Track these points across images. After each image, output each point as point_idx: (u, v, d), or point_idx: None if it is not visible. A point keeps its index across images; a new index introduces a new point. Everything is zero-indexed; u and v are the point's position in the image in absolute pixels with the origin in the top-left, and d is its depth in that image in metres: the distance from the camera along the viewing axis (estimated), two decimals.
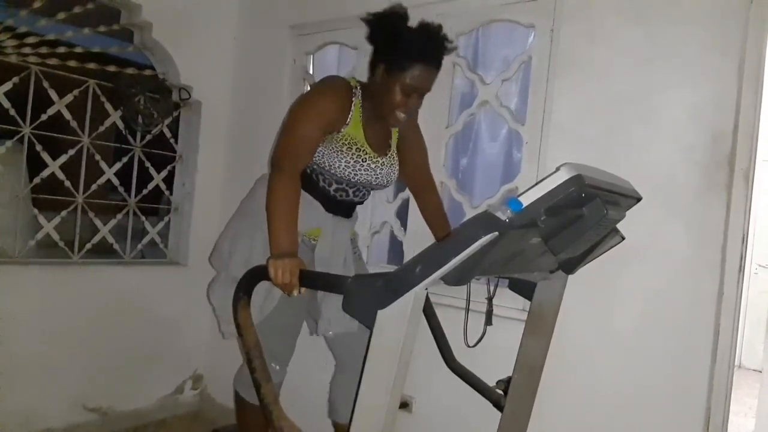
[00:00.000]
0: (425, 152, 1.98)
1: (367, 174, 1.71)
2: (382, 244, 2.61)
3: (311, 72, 2.78)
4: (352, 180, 1.70)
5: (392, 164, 1.80)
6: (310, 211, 1.71)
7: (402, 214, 2.39)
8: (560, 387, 1.88)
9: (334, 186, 1.72)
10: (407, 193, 2.24)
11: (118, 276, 2.70)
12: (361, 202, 1.86)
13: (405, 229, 2.36)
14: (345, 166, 1.66)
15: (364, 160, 1.68)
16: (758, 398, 2.95)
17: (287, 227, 1.55)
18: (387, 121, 1.69)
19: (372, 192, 1.86)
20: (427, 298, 1.75)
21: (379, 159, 1.73)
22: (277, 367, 1.76)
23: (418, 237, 2.24)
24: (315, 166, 1.69)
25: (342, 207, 1.80)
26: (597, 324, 1.89)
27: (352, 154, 1.66)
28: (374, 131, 1.73)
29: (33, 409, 2.40)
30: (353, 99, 1.67)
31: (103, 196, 2.77)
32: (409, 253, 2.31)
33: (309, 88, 1.76)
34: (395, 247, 2.52)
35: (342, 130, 1.65)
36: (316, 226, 1.74)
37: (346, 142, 1.66)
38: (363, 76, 2.47)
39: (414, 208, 2.19)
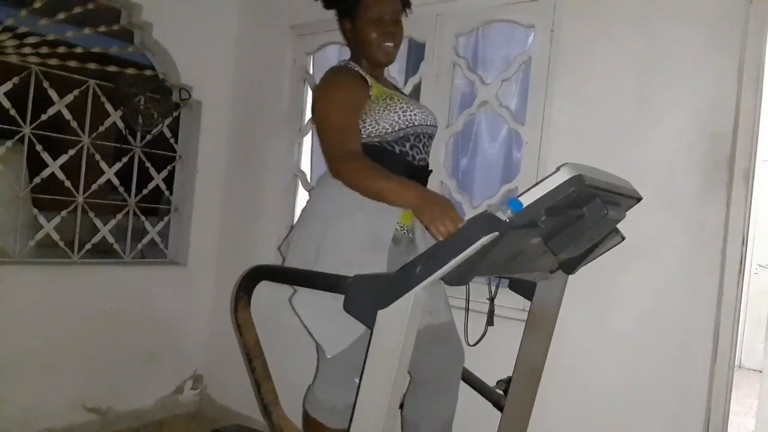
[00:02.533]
0: None
1: (420, 114, 1.64)
2: None
3: (311, 72, 2.79)
4: (415, 123, 1.61)
5: (427, 108, 1.76)
6: None
7: None
8: (560, 387, 1.88)
9: (408, 146, 1.61)
10: None
11: (118, 276, 2.70)
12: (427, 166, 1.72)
13: None
14: (401, 113, 1.59)
15: (408, 102, 1.64)
16: (758, 398, 2.95)
17: (399, 180, 1.43)
18: (379, 61, 1.66)
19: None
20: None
21: (415, 102, 1.71)
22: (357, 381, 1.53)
23: None
24: (384, 138, 1.59)
25: (422, 177, 1.66)
26: (597, 324, 1.89)
27: (394, 103, 1.61)
28: (390, 87, 1.72)
29: (32, 409, 2.40)
30: (360, 71, 1.65)
31: (103, 196, 2.77)
32: None
33: (320, 84, 1.70)
34: None
35: (371, 95, 1.61)
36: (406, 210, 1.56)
37: (384, 98, 1.61)
38: None
39: None
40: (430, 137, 1.70)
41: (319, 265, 1.49)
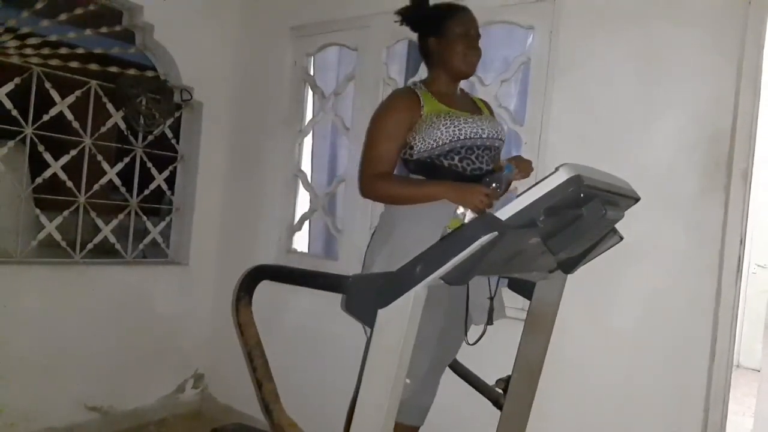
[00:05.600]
0: None
1: (471, 127, 1.70)
2: None
3: (311, 73, 2.79)
4: (462, 137, 1.69)
5: (494, 120, 1.83)
6: (448, 204, 1.63)
7: None
8: (559, 386, 1.88)
9: (456, 159, 1.70)
10: None
11: (119, 276, 2.71)
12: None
13: None
14: (444, 129, 1.68)
15: (458, 117, 1.71)
16: (756, 398, 2.96)
17: (424, 184, 1.66)
18: (463, 72, 1.78)
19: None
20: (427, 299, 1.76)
21: (473, 116, 1.75)
22: (408, 381, 1.51)
23: None
24: (432, 152, 1.69)
25: None
26: (595, 323, 1.89)
27: (443, 119, 1.69)
28: (455, 103, 1.78)
29: (34, 409, 2.41)
30: (418, 92, 1.75)
31: (104, 196, 2.78)
32: None
33: (378, 108, 1.87)
34: None
35: (422, 114, 1.71)
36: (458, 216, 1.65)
37: (432, 116, 1.70)
38: (363, 77, 2.49)
39: None
40: (488, 148, 1.74)
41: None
